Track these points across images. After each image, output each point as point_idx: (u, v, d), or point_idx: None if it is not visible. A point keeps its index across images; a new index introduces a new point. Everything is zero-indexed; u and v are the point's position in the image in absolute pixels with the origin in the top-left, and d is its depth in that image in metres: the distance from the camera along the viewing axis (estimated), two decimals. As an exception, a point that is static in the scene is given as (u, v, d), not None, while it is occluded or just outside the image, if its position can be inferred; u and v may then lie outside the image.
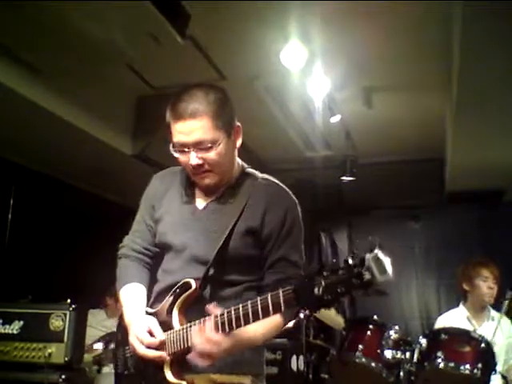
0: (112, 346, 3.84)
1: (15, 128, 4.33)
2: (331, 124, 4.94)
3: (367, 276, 1.32)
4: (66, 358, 2.97)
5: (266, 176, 2.00)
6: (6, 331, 3.11)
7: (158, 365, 1.81)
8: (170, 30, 3.28)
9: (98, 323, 4.73)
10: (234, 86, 4.40)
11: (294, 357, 4.28)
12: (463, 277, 4.09)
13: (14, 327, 3.11)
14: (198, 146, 1.78)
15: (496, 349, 3.32)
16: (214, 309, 1.68)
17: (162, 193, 2.04)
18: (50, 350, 3.00)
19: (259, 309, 1.56)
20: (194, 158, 1.79)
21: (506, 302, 3.85)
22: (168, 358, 1.78)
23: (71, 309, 3.06)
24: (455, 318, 4.03)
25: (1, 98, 3.80)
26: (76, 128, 4.26)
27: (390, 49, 3.95)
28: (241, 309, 1.60)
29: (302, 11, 3.42)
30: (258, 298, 1.57)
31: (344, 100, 4.71)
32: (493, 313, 4.01)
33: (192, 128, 1.77)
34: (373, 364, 3.40)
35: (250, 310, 1.58)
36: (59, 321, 3.05)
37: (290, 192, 1.95)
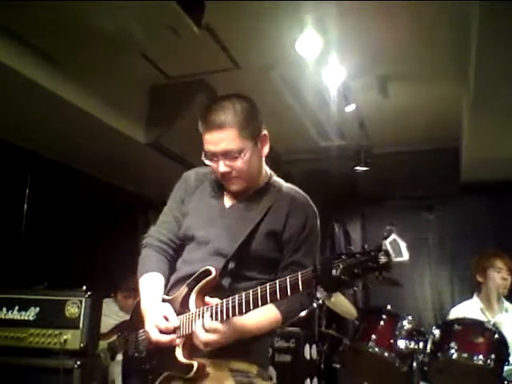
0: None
1: (32, 117, 4.37)
2: (346, 113, 4.92)
3: (383, 259, 1.44)
4: (82, 345, 2.98)
5: (290, 185, 2.11)
6: (22, 317, 3.13)
7: (170, 347, 1.89)
8: (186, 21, 3.28)
9: (113, 313, 4.76)
10: (249, 76, 4.41)
11: (307, 345, 4.31)
12: (477, 268, 4.09)
13: (30, 314, 3.13)
14: (226, 155, 1.91)
15: (509, 339, 3.31)
16: (211, 300, 1.81)
17: (192, 189, 2.15)
18: (65, 337, 3.01)
19: (277, 290, 1.66)
20: (222, 166, 1.93)
21: None
22: (181, 339, 1.88)
23: (87, 296, 3.07)
24: (469, 309, 4.02)
25: (18, 87, 3.84)
26: (91, 117, 4.28)
27: (406, 38, 3.92)
28: (259, 290, 1.70)
29: (317, 1, 3.41)
30: (277, 280, 1.67)
31: (359, 89, 4.69)
32: (506, 304, 4.00)
33: (219, 139, 1.90)
34: (386, 354, 3.39)
35: (268, 292, 1.68)
36: (75, 307, 3.07)
37: (312, 202, 2.06)
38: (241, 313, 1.73)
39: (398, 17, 3.66)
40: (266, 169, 2.11)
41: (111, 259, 5.20)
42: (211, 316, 1.77)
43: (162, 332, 1.88)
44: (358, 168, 5.49)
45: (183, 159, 5.17)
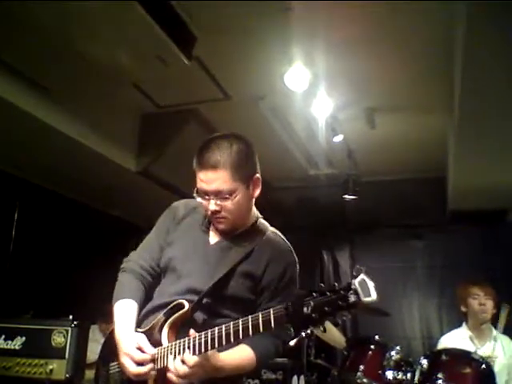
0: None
1: (21, 144, 4.37)
2: (334, 143, 4.98)
3: (352, 299, 1.46)
4: (68, 375, 2.97)
5: (274, 230, 2.13)
6: (8, 347, 3.11)
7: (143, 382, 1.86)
8: (176, 52, 3.34)
9: (98, 338, 4.72)
10: (239, 107, 4.46)
11: (295, 377, 4.25)
12: (459, 299, 4.12)
13: (16, 343, 3.11)
14: (217, 194, 1.92)
15: (497, 369, 3.32)
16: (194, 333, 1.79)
17: (179, 219, 2.15)
18: (51, 367, 2.99)
19: (249, 325, 1.67)
20: (212, 205, 1.94)
21: (503, 315, 3.89)
22: (154, 373, 1.85)
23: (73, 325, 3.07)
24: (458, 338, 4.03)
25: (8, 116, 3.85)
26: (82, 145, 4.29)
27: (392, 71, 4.00)
28: (231, 325, 1.71)
29: (306, 35, 3.48)
30: (250, 316, 1.68)
31: (347, 120, 4.76)
32: (495, 333, 4.01)
33: (212, 178, 1.90)
34: (373, 385, 3.40)
35: (240, 327, 1.69)
36: (61, 337, 3.06)
37: (293, 250, 2.08)
38: (213, 347, 1.72)
39: (385, 50, 3.73)
40: (254, 210, 2.12)
41: (99, 286, 5.15)
42: (188, 349, 1.76)
43: (138, 364, 1.85)
44: (346, 196, 5.53)
45: (173, 187, 5.19)
